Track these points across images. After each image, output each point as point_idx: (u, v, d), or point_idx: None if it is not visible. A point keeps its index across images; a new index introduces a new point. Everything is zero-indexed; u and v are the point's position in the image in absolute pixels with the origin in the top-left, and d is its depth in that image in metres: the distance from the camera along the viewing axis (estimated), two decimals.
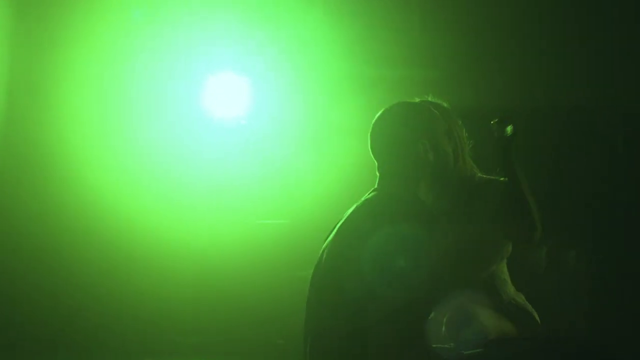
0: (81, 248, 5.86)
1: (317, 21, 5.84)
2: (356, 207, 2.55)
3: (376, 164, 2.68)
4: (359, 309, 2.28)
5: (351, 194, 5.31)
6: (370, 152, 2.71)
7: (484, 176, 2.81)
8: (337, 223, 2.56)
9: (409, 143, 2.59)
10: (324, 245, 2.53)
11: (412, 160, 2.57)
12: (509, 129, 2.63)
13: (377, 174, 2.67)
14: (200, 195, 5.94)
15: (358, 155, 5.23)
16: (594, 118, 5.36)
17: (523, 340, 2.67)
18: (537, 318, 2.78)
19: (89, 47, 6.03)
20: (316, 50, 5.86)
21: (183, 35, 5.96)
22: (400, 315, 2.18)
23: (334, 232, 2.53)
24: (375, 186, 2.63)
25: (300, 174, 5.92)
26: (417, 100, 2.84)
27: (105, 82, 6.03)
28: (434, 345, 2.61)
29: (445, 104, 2.85)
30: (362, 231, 2.40)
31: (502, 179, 2.73)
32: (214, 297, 5.69)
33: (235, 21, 5.94)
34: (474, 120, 2.91)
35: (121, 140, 6.01)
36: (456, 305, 2.63)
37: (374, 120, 2.73)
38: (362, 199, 2.60)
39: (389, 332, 2.19)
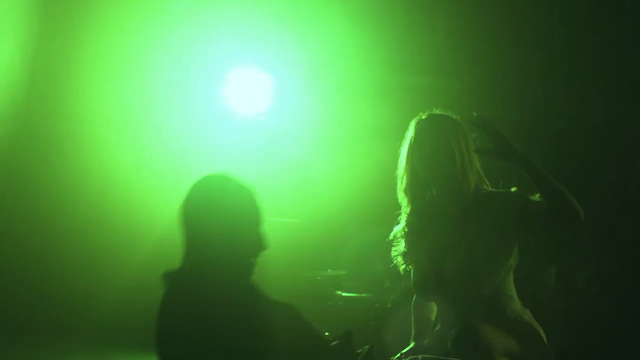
0: (96, 238, 5.88)
1: (342, 25, 5.83)
2: None
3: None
4: None
5: (366, 197, 5.37)
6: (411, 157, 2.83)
7: (493, 189, 2.83)
8: None
9: (444, 153, 2.77)
10: None
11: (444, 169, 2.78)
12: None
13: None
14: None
15: (374, 158, 5.28)
16: (610, 138, 5.33)
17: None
18: (543, 336, 2.76)
19: (113, 40, 6.06)
20: (339, 53, 5.85)
21: (207, 29, 5.97)
22: None
23: None
24: None
25: (315, 174, 5.92)
26: (438, 111, 2.89)
27: (127, 74, 6.06)
28: None
29: (458, 117, 2.90)
30: None
31: (513, 189, 2.75)
32: None
33: (262, 18, 5.94)
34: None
35: (141, 132, 6.03)
36: (462, 321, 2.63)
37: (417, 129, 2.85)
38: None
39: None
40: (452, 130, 2.81)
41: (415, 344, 2.89)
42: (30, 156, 6.03)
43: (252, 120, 6.00)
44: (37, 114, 6.05)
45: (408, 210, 2.91)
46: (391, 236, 2.96)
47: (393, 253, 2.94)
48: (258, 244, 2.27)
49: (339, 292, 5.21)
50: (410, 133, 2.87)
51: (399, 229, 2.95)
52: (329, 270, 5.38)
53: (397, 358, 2.84)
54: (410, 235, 2.90)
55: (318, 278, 5.35)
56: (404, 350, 2.87)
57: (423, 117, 2.88)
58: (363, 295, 5.17)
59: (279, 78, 5.95)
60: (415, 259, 2.89)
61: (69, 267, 5.87)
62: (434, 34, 5.72)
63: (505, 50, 5.60)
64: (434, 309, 2.97)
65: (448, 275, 2.77)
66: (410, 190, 2.87)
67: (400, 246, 2.93)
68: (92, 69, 6.08)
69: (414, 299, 3.02)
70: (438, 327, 2.89)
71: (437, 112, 2.90)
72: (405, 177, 2.87)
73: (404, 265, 2.91)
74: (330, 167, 5.85)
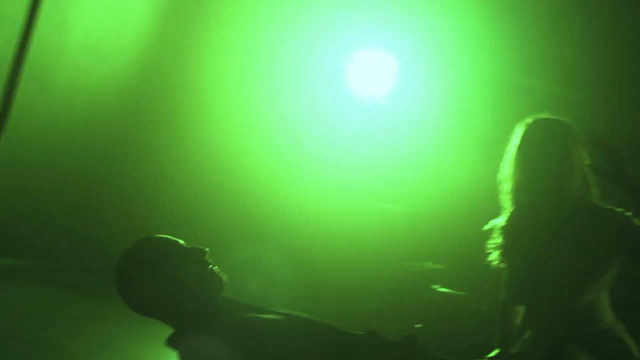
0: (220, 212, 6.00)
1: (475, 18, 5.71)
2: None
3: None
4: None
5: (476, 195, 5.27)
6: (515, 161, 2.78)
7: (599, 203, 2.73)
8: None
9: (545, 159, 2.70)
10: None
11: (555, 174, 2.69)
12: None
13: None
14: (328, 167, 5.97)
15: (488, 157, 5.17)
16: None
17: None
18: (635, 351, 2.66)
19: (240, 18, 6.12)
20: (466, 45, 5.74)
21: (335, 10, 5.96)
22: None
23: None
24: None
25: (429, 163, 5.86)
26: (546, 115, 2.81)
27: (252, 54, 6.12)
28: None
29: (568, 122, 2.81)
30: None
31: (619, 210, 2.65)
32: (324, 268, 5.70)
33: (393, 1, 5.89)
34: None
35: (263, 109, 6.09)
36: (553, 332, 2.62)
37: (523, 133, 2.79)
38: None
39: None
40: (558, 135, 2.73)
41: (500, 351, 2.83)
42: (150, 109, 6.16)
43: (373, 103, 5.99)
44: (163, 68, 6.17)
45: (509, 211, 2.85)
46: (488, 227, 2.92)
47: (488, 246, 2.90)
48: None
49: (435, 287, 5.15)
50: (516, 136, 2.81)
51: (498, 223, 2.89)
52: (428, 263, 5.33)
53: None
54: (508, 235, 2.84)
55: (416, 269, 5.30)
56: (489, 355, 2.82)
57: (530, 120, 2.80)
58: (459, 293, 5.09)
59: (403, 63, 5.88)
60: (511, 261, 2.84)
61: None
62: (566, 43, 5.53)
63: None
64: (520, 313, 2.92)
65: (544, 284, 2.70)
66: (511, 195, 2.82)
67: (497, 241, 2.88)
68: (217, 46, 6.15)
69: (501, 300, 2.98)
70: (527, 334, 2.82)
71: (546, 116, 2.82)
72: (508, 181, 2.82)
73: (497, 261, 2.86)
74: (445, 158, 5.78)
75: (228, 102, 6.11)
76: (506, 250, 2.84)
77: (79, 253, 5.50)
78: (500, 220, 2.89)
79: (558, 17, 5.66)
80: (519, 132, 2.80)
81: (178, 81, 6.16)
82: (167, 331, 2.27)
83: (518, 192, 2.79)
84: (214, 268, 2.37)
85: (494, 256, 2.90)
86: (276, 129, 6.04)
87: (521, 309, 2.91)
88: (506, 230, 2.85)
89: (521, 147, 2.76)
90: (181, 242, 2.37)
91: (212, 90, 6.13)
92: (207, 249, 2.36)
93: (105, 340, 2.66)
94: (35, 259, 5.01)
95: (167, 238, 2.35)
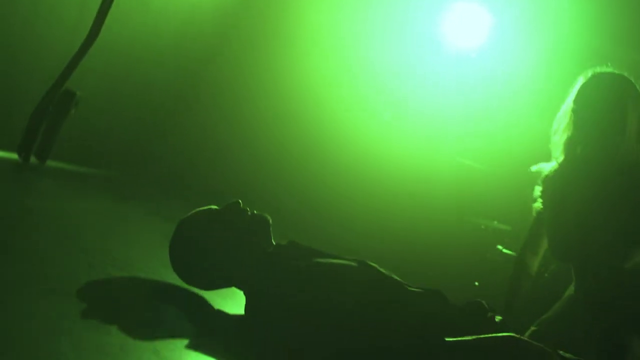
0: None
1: None
2: None
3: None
4: None
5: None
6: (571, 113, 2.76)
7: None
8: None
9: (611, 113, 2.66)
10: None
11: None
12: None
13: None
14: (411, 117, 5.94)
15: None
16: None
17: None
18: None
19: None
20: (563, 11, 5.55)
21: None
22: None
23: None
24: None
25: (512, 124, 5.76)
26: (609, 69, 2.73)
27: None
28: None
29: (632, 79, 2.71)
30: None
31: None
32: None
33: None
34: None
35: (353, 60, 6.07)
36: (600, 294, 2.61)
37: (582, 85, 2.75)
38: None
39: None
40: (616, 90, 2.66)
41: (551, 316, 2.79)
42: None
43: (464, 56, 5.90)
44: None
45: (559, 161, 2.80)
46: (535, 169, 2.87)
47: (533, 193, 2.86)
48: None
49: (500, 247, 5.13)
50: (575, 88, 2.76)
51: (548, 168, 2.83)
52: (495, 222, 5.30)
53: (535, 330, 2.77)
54: (555, 185, 2.78)
55: (482, 227, 5.28)
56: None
57: (590, 73, 2.75)
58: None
59: (497, 17, 5.74)
60: (557, 213, 2.77)
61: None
62: None
63: None
64: (532, 269, 2.99)
65: (594, 244, 2.64)
66: (564, 146, 2.77)
67: (543, 190, 2.84)
68: None
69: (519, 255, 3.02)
70: (569, 293, 2.79)
71: (607, 70, 2.74)
72: (561, 133, 2.77)
73: (539, 205, 2.80)
74: (528, 122, 5.67)
75: (320, 47, 6.07)
76: (551, 201, 2.77)
77: (152, 171, 5.66)
78: (550, 166, 2.82)
79: None
80: (578, 84, 2.75)
81: (273, 18, 6.15)
82: None
83: (571, 144, 2.73)
84: (254, 212, 2.45)
85: (537, 204, 2.84)
86: (365, 77, 5.99)
87: (535, 265, 2.89)
88: (555, 180, 2.79)
89: (578, 99, 2.71)
90: (214, 207, 2.44)
91: (305, 33, 6.10)
92: (239, 200, 2.44)
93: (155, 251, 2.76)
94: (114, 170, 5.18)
95: (198, 211, 2.44)
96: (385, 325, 2.06)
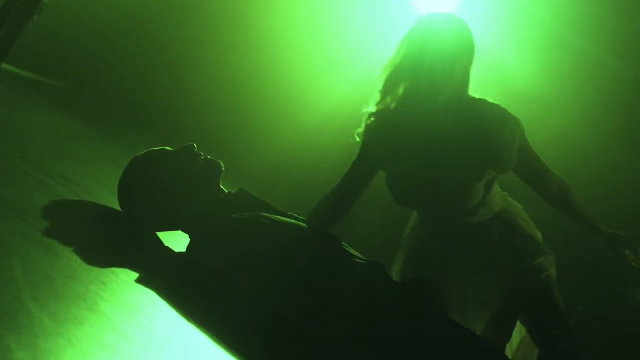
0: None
1: None
2: None
3: None
4: None
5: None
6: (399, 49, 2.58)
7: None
8: None
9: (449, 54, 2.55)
10: None
11: None
12: None
13: None
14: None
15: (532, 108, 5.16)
16: None
17: None
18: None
19: None
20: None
21: None
22: None
23: None
24: None
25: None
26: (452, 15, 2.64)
27: None
28: None
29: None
30: None
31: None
32: None
33: None
34: None
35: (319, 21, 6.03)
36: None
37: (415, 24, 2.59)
38: None
39: None
40: (449, 33, 2.50)
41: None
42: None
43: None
44: None
45: (383, 101, 2.57)
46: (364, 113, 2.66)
47: (356, 133, 2.66)
48: None
49: None
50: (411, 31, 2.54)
51: (369, 111, 2.64)
52: None
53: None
54: (383, 128, 2.60)
55: None
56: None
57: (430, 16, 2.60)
58: None
59: None
60: (394, 162, 2.62)
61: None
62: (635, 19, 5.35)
63: None
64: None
65: (441, 187, 2.57)
66: (387, 83, 2.55)
67: (367, 129, 2.64)
68: None
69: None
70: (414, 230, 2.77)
71: (444, 13, 2.62)
72: (386, 69, 2.56)
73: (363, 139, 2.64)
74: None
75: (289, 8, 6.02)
76: (384, 147, 2.61)
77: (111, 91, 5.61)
78: (372, 110, 2.62)
79: None
80: (416, 25, 2.56)
81: None
82: None
83: (395, 80, 2.53)
84: (207, 157, 2.48)
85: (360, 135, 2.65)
86: (333, 40, 5.97)
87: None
88: (380, 124, 2.60)
89: (407, 38, 2.53)
90: (168, 148, 2.46)
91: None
92: (194, 144, 2.46)
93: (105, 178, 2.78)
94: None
95: (152, 151, 2.44)
96: (311, 292, 2.11)
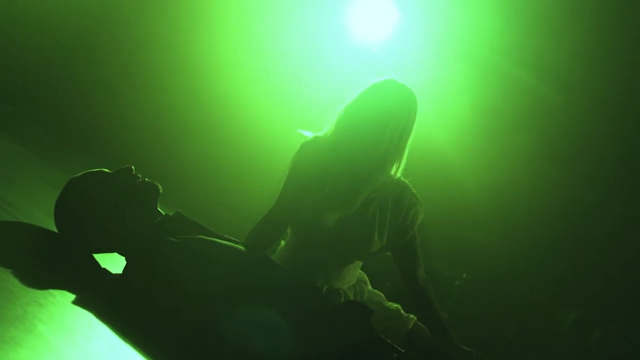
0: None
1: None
2: None
3: None
4: None
5: (452, 165, 5.34)
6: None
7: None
8: None
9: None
10: None
11: None
12: None
13: None
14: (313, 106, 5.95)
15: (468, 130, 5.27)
16: None
17: None
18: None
19: None
20: (469, 16, 5.63)
21: None
22: None
23: None
24: None
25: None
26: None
27: None
28: None
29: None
30: None
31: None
32: None
33: None
34: None
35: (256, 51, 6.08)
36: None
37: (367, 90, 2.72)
38: None
39: None
40: (392, 106, 2.65)
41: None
42: None
43: (366, 49, 5.94)
44: None
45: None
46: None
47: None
48: None
49: None
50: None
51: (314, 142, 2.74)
52: None
53: None
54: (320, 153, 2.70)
55: None
56: None
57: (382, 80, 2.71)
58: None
59: (403, 12, 5.78)
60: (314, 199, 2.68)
61: None
62: (562, 47, 5.50)
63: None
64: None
65: (347, 236, 2.66)
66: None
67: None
68: None
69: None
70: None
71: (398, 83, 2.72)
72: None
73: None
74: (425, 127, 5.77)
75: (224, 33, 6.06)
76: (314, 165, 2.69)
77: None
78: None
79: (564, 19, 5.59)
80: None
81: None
82: None
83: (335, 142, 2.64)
84: (145, 180, 2.51)
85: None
86: (268, 66, 6.00)
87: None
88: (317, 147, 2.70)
89: (356, 101, 2.65)
90: (106, 170, 2.49)
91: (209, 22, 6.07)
92: (132, 166, 2.49)
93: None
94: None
95: (90, 172, 2.46)
96: (248, 312, 2.14)
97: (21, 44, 5.37)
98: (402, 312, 2.70)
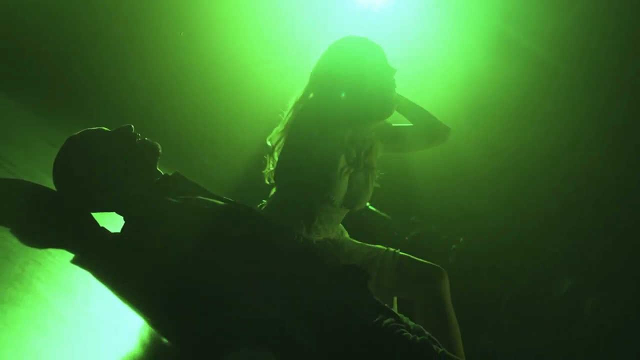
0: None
1: None
2: None
3: None
4: None
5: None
6: None
7: None
8: None
9: None
10: None
11: None
12: None
13: None
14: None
15: (470, 99, 5.26)
16: None
17: None
18: None
19: None
20: None
21: None
22: None
23: None
24: None
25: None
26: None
27: None
28: None
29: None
30: None
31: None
32: None
33: None
34: None
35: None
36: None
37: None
38: None
39: None
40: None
41: None
42: None
43: (367, 10, 5.90)
44: None
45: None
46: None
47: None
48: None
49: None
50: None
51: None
52: None
53: None
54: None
55: None
56: None
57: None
58: (385, 215, 5.21)
59: None
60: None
61: None
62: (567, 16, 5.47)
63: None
64: None
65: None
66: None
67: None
68: None
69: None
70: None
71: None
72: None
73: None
74: (413, 87, 5.76)
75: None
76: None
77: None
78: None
79: None
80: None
81: None
82: None
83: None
84: (144, 139, 2.50)
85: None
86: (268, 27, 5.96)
87: None
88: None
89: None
90: (105, 129, 2.48)
91: None
92: (131, 125, 2.48)
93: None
94: None
95: (89, 130, 2.45)
96: (249, 275, 2.13)
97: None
98: (385, 247, 2.79)
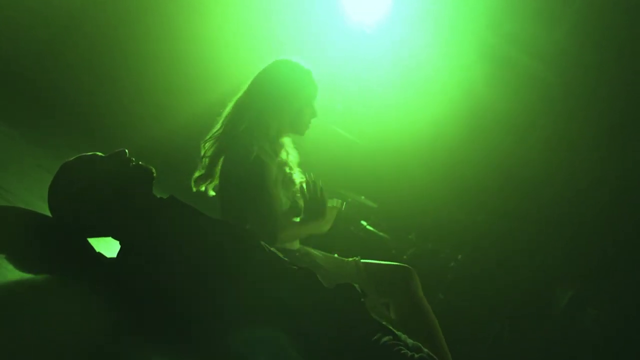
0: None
1: None
2: None
3: None
4: None
5: (433, 148, 5.35)
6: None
7: None
8: None
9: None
10: None
11: None
12: None
13: None
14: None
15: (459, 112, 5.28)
16: None
17: None
18: None
19: None
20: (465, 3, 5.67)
21: None
22: None
23: None
24: None
25: (397, 103, 5.87)
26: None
27: None
28: None
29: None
30: None
31: None
32: None
33: None
34: None
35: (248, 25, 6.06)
36: None
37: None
38: None
39: None
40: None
41: None
42: None
43: (359, 30, 5.93)
44: None
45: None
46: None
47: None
48: None
49: (363, 223, 5.27)
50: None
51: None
52: (362, 197, 5.40)
53: None
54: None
55: (349, 199, 5.35)
56: None
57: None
58: (382, 234, 5.21)
59: None
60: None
61: None
62: (559, 28, 5.51)
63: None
64: None
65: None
66: None
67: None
68: None
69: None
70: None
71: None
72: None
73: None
74: (412, 104, 5.79)
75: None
76: None
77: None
78: None
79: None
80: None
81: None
82: None
83: None
84: (138, 163, 2.49)
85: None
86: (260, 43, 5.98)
87: None
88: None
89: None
90: (99, 153, 2.47)
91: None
92: (125, 149, 2.47)
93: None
94: None
95: (83, 156, 2.44)
96: (245, 295, 2.15)
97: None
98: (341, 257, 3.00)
